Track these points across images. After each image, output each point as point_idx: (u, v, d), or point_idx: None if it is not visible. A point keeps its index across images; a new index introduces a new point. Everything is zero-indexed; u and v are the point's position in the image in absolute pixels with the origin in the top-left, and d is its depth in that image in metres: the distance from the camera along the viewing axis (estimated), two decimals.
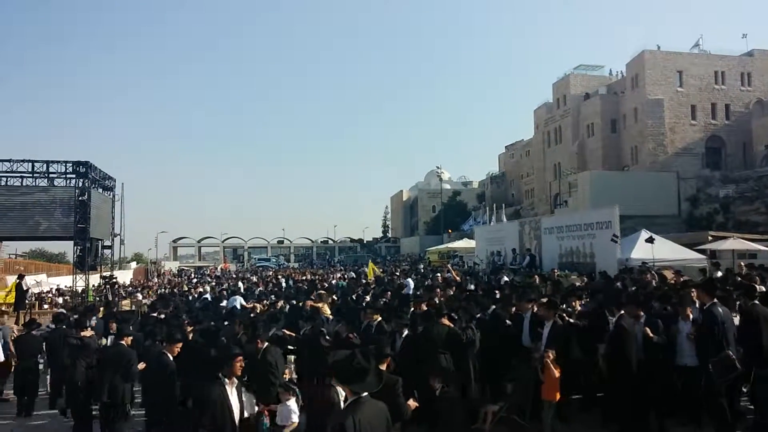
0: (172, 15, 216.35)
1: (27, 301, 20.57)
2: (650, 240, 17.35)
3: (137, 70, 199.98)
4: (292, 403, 6.44)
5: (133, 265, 62.96)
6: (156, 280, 44.05)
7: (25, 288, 20.60)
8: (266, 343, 7.30)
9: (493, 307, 9.71)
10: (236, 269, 60.34)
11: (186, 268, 66.59)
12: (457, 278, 19.07)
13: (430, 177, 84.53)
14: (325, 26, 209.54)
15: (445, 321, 8.19)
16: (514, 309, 9.29)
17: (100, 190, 23.87)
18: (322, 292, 14.04)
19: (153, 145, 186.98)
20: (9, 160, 21.50)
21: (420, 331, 8.34)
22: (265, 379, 6.90)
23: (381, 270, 32.74)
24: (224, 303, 15.16)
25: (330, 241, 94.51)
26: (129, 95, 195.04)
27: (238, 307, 13.97)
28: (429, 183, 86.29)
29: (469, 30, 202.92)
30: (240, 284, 25.81)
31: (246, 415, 5.66)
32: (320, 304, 11.51)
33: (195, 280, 37.52)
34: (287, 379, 7.27)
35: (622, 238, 18.99)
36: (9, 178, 21.79)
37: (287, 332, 9.48)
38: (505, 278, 17.75)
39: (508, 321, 8.98)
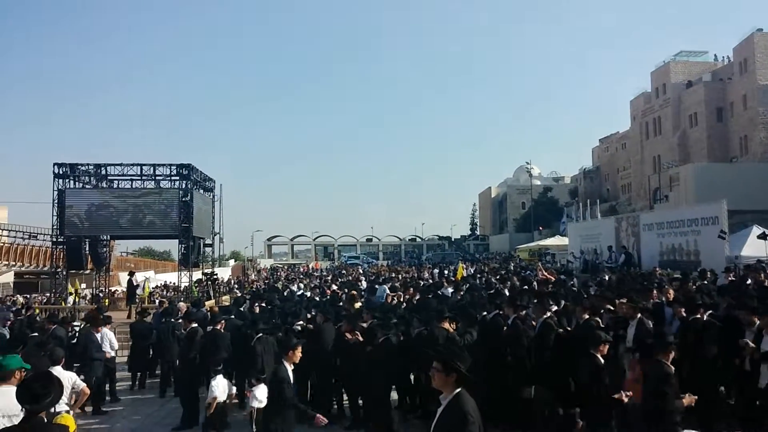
0: (275, 15, 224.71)
1: (137, 296, 22.13)
2: (763, 236, 16.12)
3: (239, 76, 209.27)
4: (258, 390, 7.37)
5: (231, 262, 66.00)
6: (253, 276, 45.90)
7: (135, 284, 22.18)
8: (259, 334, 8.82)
9: (497, 312, 9.32)
10: (327, 267, 61.81)
11: (279, 266, 69.06)
12: (551, 277, 18.54)
13: (520, 173, 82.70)
14: (414, 21, 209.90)
15: (446, 324, 8.21)
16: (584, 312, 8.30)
17: (201, 191, 25.14)
18: (354, 292, 14.58)
19: (250, 147, 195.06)
20: (121, 164, 23.13)
21: (417, 333, 8.70)
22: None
23: (471, 269, 32.45)
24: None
25: (418, 239, 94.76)
26: (228, 101, 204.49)
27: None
28: (518, 179, 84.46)
29: (558, 17, 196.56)
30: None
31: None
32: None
33: (291, 277, 38.75)
34: None
35: (730, 235, 17.77)
36: (120, 181, 23.50)
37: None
38: (605, 277, 17.05)
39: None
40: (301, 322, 10.34)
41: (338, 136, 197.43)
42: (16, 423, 4.44)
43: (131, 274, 22.89)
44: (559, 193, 77.75)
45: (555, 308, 9.31)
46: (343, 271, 44.83)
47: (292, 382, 5.97)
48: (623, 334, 7.83)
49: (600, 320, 8.24)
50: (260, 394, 7.22)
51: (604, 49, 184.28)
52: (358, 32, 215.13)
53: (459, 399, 3.48)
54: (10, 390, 4.65)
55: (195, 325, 10.33)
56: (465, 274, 26.16)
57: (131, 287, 21.69)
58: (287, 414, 5.90)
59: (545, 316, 8.13)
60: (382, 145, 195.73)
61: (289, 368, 6.03)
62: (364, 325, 9.09)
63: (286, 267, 65.08)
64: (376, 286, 18.07)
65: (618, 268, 20.32)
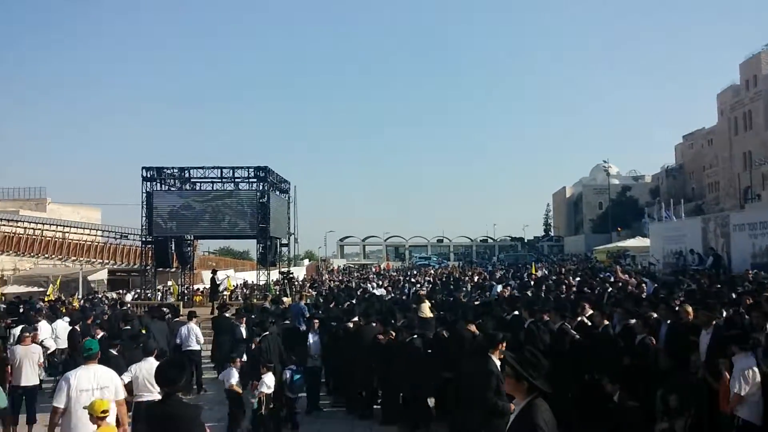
0: (352, 15, 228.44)
1: (219, 293, 23.11)
2: None
3: (313, 81, 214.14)
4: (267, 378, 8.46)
5: (306, 262, 67.58)
6: (326, 276, 46.83)
7: (217, 281, 23.17)
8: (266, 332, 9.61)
9: (515, 313, 9.55)
10: (398, 267, 62.18)
11: (352, 266, 70.09)
12: (629, 279, 17.92)
13: (596, 172, 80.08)
14: (477, 22, 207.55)
15: (472, 327, 8.40)
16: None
17: (277, 193, 25.89)
18: (422, 291, 14.62)
19: (322, 149, 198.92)
20: (202, 167, 24.20)
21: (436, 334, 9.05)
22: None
23: (545, 270, 31.79)
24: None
25: (489, 240, 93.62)
26: (303, 108, 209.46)
27: None
28: (595, 178, 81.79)
29: (639, 5, 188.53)
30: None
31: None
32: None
33: (363, 277, 39.31)
34: None
35: None
36: (202, 183, 24.59)
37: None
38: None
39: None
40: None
41: (409, 136, 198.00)
42: (107, 394, 5.69)
43: (214, 272, 23.92)
44: (639, 192, 74.70)
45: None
46: (415, 272, 45.02)
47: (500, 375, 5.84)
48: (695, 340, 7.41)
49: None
50: (269, 381, 8.43)
51: (687, 41, 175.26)
52: (435, 31, 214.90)
53: (531, 408, 3.40)
54: (98, 367, 6.00)
55: (271, 320, 11.01)
56: (538, 275, 25.69)
57: (214, 284, 22.65)
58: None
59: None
60: (454, 146, 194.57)
61: (497, 362, 6.05)
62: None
63: (358, 267, 65.99)
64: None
65: (706, 270, 19.32)
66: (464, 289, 20.95)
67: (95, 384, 5.77)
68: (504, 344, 6.34)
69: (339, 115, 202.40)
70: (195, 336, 12.15)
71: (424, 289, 22.63)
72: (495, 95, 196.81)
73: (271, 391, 8.50)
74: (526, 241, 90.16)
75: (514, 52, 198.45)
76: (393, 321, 10.35)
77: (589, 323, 8.63)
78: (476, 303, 13.49)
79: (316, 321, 10.77)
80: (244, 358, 9.56)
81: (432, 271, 44.35)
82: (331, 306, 14.05)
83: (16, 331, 10.98)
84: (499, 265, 50.20)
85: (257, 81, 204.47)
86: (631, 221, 60.47)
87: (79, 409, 5.52)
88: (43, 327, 12.95)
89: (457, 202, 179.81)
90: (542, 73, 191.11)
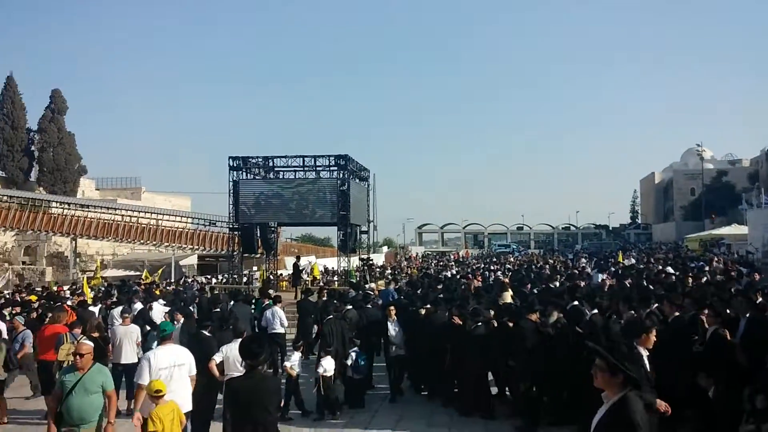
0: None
1: (302, 278, 23.71)
2: None
3: (390, 73, 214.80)
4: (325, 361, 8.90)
5: (384, 249, 68.17)
6: (404, 263, 47.04)
7: (300, 267, 23.78)
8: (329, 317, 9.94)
9: (574, 303, 9.22)
10: (477, 255, 61.52)
11: (430, 253, 70.03)
12: (724, 267, 16.85)
13: (688, 156, 75.68)
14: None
15: (533, 316, 8.39)
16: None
17: (357, 180, 26.16)
18: (506, 280, 14.31)
19: (401, 136, 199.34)
20: (285, 156, 24.84)
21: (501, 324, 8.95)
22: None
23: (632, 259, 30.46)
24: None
25: (572, 228, 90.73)
26: (381, 98, 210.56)
27: None
28: (686, 163, 77.29)
29: None
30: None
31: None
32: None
33: (441, 264, 39.23)
34: None
35: None
36: (285, 172, 25.25)
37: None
38: None
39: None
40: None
41: (489, 121, 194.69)
42: (182, 371, 6.47)
43: (297, 258, 24.58)
44: (736, 177, 69.85)
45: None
46: (494, 259, 44.38)
47: (647, 366, 5.76)
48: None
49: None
50: (327, 364, 8.72)
51: None
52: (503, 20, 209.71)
53: (626, 403, 3.24)
54: (174, 346, 6.75)
55: (350, 307, 11.14)
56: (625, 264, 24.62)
57: (297, 270, 23.27)
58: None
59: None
60: (535, 130, 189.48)
61: (644, 352, 5.89)
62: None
63: (436, 254, 65.85)
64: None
65: None
66: (544, 275, 20.41)
67: (172, 362, 6.38)
68: (653, 333, 6.05)
69: (417, 101, 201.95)
70: (279, 319, 12.51)
71: (505, 276, 22.26)
72: (578, 76, 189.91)
73: (328, 374, 8.89)
74: (611, 228, 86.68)
75: (602, 30, 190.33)
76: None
77: (659, 314, 8.23)
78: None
79: (392, 309, 10.55)
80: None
81: (512, 259, 43.59)
82: (418, 292, 14.08)
83: (116, 311, 11.69)
84: (582, 253, 48.60)
85: (338, 68, 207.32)
86: (726, 208, 56.84)
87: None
88: (157, 308, 13.48)
89: (538, 189, 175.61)
90: (630, 51, 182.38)
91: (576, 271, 22.19)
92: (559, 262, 31.85)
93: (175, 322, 9.91)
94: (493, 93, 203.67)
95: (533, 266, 29.09)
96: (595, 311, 8.81)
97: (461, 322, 9.11)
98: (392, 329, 10.17)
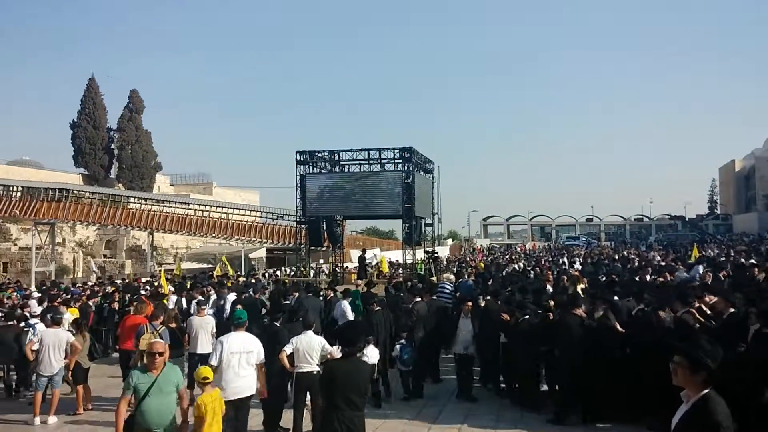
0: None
1: (368, 271, 23.90)
2: None
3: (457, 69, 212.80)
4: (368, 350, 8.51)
5: (449, 242, 67.69)
6: (470, 256, 46.55)
7: (365, 261, 23.96)
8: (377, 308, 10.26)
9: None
10: (545, 247, 60.12)
11: (496, 245, 69.03)
12: None
13: None
14: None
15: (579, 311, 8.33)
16: None
17: (422, 173, 26.03)
18: (577, 273, 13.77)
19: (464, 129, 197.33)
20: (350, 150, 25.02)
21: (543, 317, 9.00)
22: None
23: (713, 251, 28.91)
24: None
25: (645, 219, 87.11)
26: (444, 85, 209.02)
27: None
28: None
29: None
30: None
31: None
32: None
33: (507, 257, 38.54)
34: None
35: None
36: (350, 166, 25.42)
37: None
38: None
39: None
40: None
41: (554, 110, 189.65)
42: (250, 357, 6.80)
43: (363, 251, 24.77)
44: None
45: None
46: (563, 252, 43.21)
47: None
48: None
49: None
50: (369, 353, 8.48)
51: None
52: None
53: (708, 402, 3.09)
54: (245, 334, 7.05)
55: (419, 299, 10.97)
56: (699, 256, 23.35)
57: (362, 263, 23.43)
58: None
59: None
60: (604, 117, 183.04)
61: None
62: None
63: (502, 247, 64.83)
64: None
65: None
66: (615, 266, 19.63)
67: (242, 348, 6.78)
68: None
69: (481, 90, 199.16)
70: (347, 312, 12.61)
71: (575, 269, 21.61)
72: (651, 60, 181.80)
73: (370, 362, 8.69)
74: (687, 219, 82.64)
75: (678, 16, 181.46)
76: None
77: (709, 311, 8.04)
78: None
79: (469, 303, 10.08)
80: None
81: (582, 252, 42.31)
82: (489, 284, 13.90)
83: (193, 303, 12.11)
84: (656, 245, 46.61)
85: (404, 64, 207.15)
86: None
87: (229, 367, 6.64)
88: (230, 300, 13.90)
89: (609, 179, 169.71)
90: (708, 36, 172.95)
91: (662, 264, 21.17)
92: (633, 255, 30.58)
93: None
94: (561, 80, 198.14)
95: (603, 258, 28.11)
96: (641, 306, 8.79)
97: (508, 317, 9.21)
98: (464, 326, 9.75)
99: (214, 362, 6.63)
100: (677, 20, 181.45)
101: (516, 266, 24.26)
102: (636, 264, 21.96)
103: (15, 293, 20.89)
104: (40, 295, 17.73)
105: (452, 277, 16.50)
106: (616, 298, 9.48)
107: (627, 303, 9.49)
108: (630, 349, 7.89)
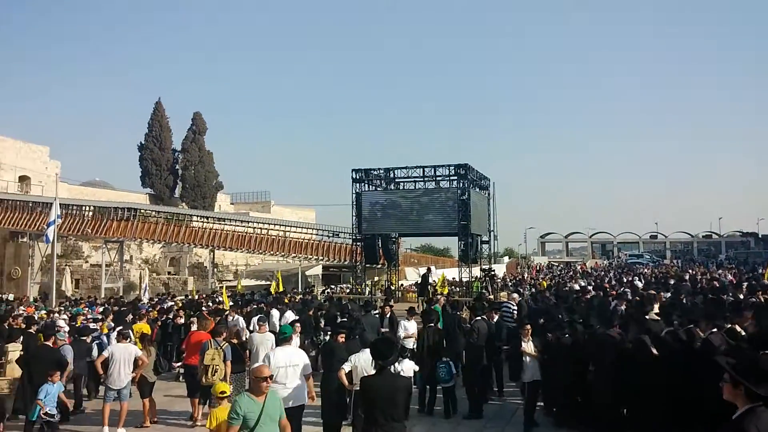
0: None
1: (429, 289, 23.78)
2: None
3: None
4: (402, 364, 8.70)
5: (506, 259, 66.65)
6: (527, 274, 45.70)
7: (430, 280, 23.88)
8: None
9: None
10: (606, 265, 58.35)
11: (555, 263, 67.50)
12: None
13: None
14: None
15: (615, 330, 8.27)
16: None
17: (477, 190, 25.84)
18: (653, 292, 13.13)
19: (521, 144, 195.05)
20: (405, 167, 25.14)
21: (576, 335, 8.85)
22: None
23: None
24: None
25: (714, 235, 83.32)
26: (500, 106, 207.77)
27: None
28: None
29: None
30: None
31: None
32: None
33: (569, 275, 37.66)
34: None
35: None
36: (405, 183, 25.52)
37: None
38: None
39: None
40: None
41: (614, 121, 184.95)
42: (296, 370, 7.17)
43: (428, 270, 24.83)
44: None
45: None
46: (626, 270, 41.83)
47: None
48: None
49: None
50: (403, 366, 8.65)
51: None
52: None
53: (745, 417, 3.10)
54: (292, 348, 7.51)
55: (478, 318, 10.79)
56: None
57: (425, 281, 23.40)
58: None
59: None
60: (669, 128, 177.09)
61: None
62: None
63: (561, 265, 63.35)
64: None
65: None
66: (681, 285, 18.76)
67: (288, 362, 7.19)
68: None
69: (538, 108, 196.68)
70: (405, 328, 12.55)
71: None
72: (722, 63, 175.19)
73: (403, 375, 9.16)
74: (760, 236, 78.54)
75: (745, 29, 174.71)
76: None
77: (742, 332, 7.66)
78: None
79: (528, 327, 9.44)
80: None
81: (646, 270, 40.85)
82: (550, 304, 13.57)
83: (254, 319, 12.35)
84: (727, 263, 44.50)
85: (456, 79, 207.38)
86: None
87: (276, 380, 6.87)
88: (289, 317, 14.10)
89: (673, 193, 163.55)
90: None
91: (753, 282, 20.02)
92: (701, 274, 29.29)
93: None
94: (618, 93, 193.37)
95: (668, 278, 27.00)
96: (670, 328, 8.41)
97: (556, 338, 9.08)
98: (525, 347, 9.19)
99: None
100: (744, 33, 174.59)
101: (576, 285, 23.55)
102: (705, 283, 20.98)
103: (87, 308, 21.89)
104: (104, 308, 18.56)
105: (516, 296, 16.01)
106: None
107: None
108: (665, 369, 7.69)
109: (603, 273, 40.21)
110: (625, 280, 28.96)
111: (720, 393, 3.31)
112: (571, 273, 41.76)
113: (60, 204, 28.91)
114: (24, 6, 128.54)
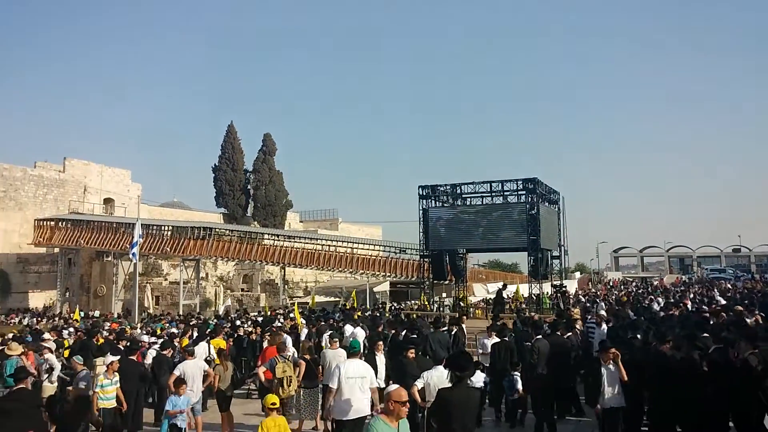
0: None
1: (505, 306, 23.60)
2: None
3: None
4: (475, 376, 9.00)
5: (577, 275, 64.79)
6: (601, 289, 44.21)
7: (505, 297, 23.62)
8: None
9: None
10: (685, 281, 55.63)
11: (629, 278, 65.02)
12: None
13: None
14: None
15: (665, 347, 8.17)
16: None
17: (546, 204, 25.32)
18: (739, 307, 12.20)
19: (592, 155, 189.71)
20: (472, 183, 24.98)
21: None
22: None
23: None
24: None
25: None
26: (568, 119, 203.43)
27: None
28: None
29: None
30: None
31: None
32: None
33: (641, 291, 36.17)
34: None
35: None
36: (472, 198, 25.35)
37: None
38: None
39: None
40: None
41: (688, 131, 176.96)
42: (364, 382, 7.43)
43: (504, 286, 24.58)
44: None
45: None
46: (707, 284, 39.75)
47: None
48: None
49: None
50: (474, 378, 8.88)
51: None
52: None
53: None
54: (359, 361, 7.84)
55: (539, 337, 10.55)
56: None
57: (500, 297, 23.18)
58: None
59: None
60: (750, 131, 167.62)
61: None
62: None
63: (636, 280, 60.91)
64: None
65: None
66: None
67: (357, 374, 7.50)
68: None
69: (606, 117, 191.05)
70: (482, 345, 12.44)
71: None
72: None
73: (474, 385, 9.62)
74: None
75: None
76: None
77: None
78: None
79: (613, 352, 8.06)
80: None
81: (728, 285, 38.65)
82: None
83: (326, 336, 12.57)
84: None
85: (521, 91, 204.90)
86: None
87: (345, 390, 7.37)
88: (359, 333, 14.28)
89: (758, 204, 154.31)
90: None
91: None
92: None
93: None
94: (699, 96, 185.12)
95: (758, 293, 25.46)
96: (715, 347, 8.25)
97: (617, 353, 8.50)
98: (609, 377, 8.03)
99: (333, 385, 7.50)
100: None
101: (655, 302, 22.57)
102: None
103: (167, 324, 22.88)
104: (183, 326, 19.31)
105: (603, 313, 15.11)
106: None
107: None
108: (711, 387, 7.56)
109: (684, 288, 38.33)
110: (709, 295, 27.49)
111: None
112: (649, 288, 39.99)
113: (141, 224, 30.47)
114: (107, 43, 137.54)
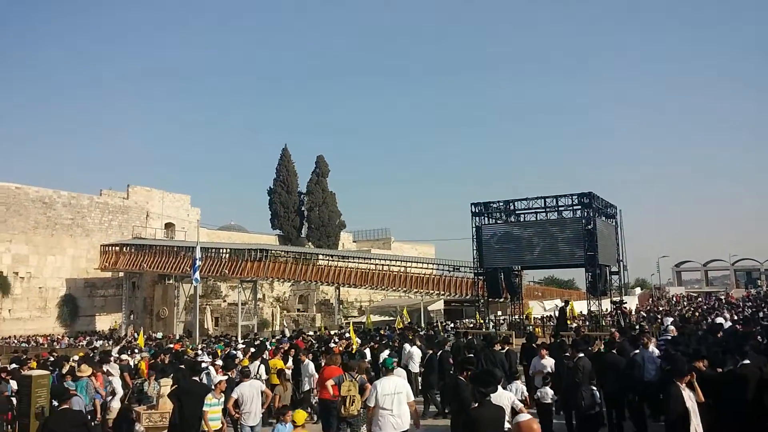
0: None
1: (568, 323, 23.09)
2: None
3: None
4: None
5: (637, 291, 62.68)
6: (663, 306, 42.63)
7: (567, 315, 23.21)
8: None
9: None
10: (754, 295, 52.98)
11: (692, 294, 62.47)
12: None
13: None
14: None
15: (700, 364, 7.69)
16: None
17: (603, 218, 24.83)
18: None
19: (648, 166, 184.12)
20: (526, 199, 24.79)
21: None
22: None
23: None
24: None
25: None
26: (622, 133, 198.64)
27: None
28: None
29: None
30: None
31: None
32: None
33: (705, 307, 34.71)
34: None
35: None
36: (526, 215, 25.10)
37: None
38: None
39: None
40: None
41: (750, 138, 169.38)
42: (401, 398, 7.60)
43: (566, 302, 24.16)
44: None
45: None
46: None
47: None
48: None
49: None
50: (541, 392, 9.25)
51: None
52: None
53: None
54: (396, 378, 7.98)
55: (582, 354, 10.14)
56: None
57: (563, 315, 22.79)
58: None
59: None
60: None
61: None
62: None
63: (700, 295, 58.44)
64: None
65: None
66: None
67: (394, 390, 7.67)
68: None
69: (665, 128, 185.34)
70: (546, 367, 12.21)
71: None
72: None
73: (546, 401, 9.89)
74: None
75: None
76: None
77: None
78: None
79: (692, 375, 7.00)
80: None
81: None
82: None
83: (383, 354, 12.64)
84: None
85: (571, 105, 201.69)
86: None
87: (383, 407, 7.53)
88: (415, 353, 14.39)
89: None
90: None
91: None
92: None
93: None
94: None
95: None
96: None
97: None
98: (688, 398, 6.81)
99: (371, 403, 7.64)
100: None
101: (721, 318, 21.57)
102: None
103: (226, 345, 23.41)
104: (244, 347, 19.73)
105: (672, 327, 14.30)
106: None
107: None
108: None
109: (760, 303, 36.40)
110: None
111: None
112: (715, 304, 38.31)
113: (201, 247, 31.45)
114: (164, 80, 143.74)
